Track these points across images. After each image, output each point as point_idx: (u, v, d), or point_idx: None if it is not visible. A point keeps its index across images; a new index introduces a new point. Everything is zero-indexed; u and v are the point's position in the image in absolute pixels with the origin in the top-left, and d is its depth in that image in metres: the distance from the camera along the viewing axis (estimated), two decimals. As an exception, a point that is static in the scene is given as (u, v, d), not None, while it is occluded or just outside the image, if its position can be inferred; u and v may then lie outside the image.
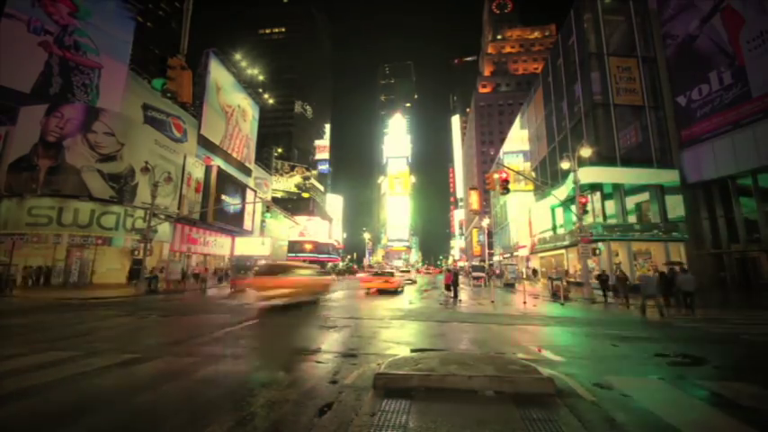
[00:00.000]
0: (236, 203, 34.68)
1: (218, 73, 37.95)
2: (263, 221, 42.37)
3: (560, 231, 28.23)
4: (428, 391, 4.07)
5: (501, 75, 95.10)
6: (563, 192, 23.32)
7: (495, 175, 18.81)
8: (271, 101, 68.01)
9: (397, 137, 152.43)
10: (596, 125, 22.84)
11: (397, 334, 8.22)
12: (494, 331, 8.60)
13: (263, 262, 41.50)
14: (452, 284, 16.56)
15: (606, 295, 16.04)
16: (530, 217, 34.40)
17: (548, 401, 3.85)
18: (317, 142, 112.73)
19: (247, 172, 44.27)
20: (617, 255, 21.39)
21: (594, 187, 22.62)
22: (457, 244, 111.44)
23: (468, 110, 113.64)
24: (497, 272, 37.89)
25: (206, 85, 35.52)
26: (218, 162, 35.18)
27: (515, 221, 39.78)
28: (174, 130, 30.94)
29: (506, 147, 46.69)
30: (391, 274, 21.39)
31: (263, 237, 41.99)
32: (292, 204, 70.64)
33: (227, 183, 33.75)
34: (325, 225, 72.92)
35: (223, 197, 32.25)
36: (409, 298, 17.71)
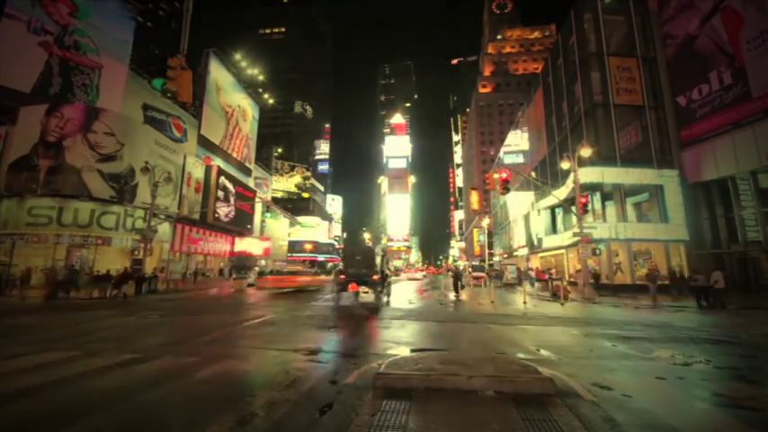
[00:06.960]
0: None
1: (218, 73, 37.92)
2: (263, 221, 42.42)
3: (560, 231, 28.21)
4: (428, 391, 4.07)
5: (501, 75, 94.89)
6: (563, 192, 23.30)
7: (495, 175, 18.84)
8: (271, 101, 67.85)
9: (396, 136, 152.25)
10: (596, 125, 22.81)
11: (397, 334, 8.22)
12: (494, 331, 8.59)
13: (262, 262, 41.59)
14: (454, 285, 17.63)
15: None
16: (530, 217, 34.36)
17: (548, 401, 3.85)
18: (317, 142, 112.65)
19: (247, 172, 44.26)
20: (617, 255, 21.38)
21: (594, 187, 22.59)
22: (457, 244, 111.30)
23: (468, 110, 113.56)
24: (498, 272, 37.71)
25: (206, 85, 35.47)
26: (218, 162, 35.15)
27: (515, 221, 39.73)
28: (174, 130, 30.91)
29: (506, 147, 46.66)
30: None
31: (263, 237, 42.06)
32: (292, 204, 70.60)
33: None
34: (325, 225, 72.92)
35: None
36: (409, 297, 17.88)
